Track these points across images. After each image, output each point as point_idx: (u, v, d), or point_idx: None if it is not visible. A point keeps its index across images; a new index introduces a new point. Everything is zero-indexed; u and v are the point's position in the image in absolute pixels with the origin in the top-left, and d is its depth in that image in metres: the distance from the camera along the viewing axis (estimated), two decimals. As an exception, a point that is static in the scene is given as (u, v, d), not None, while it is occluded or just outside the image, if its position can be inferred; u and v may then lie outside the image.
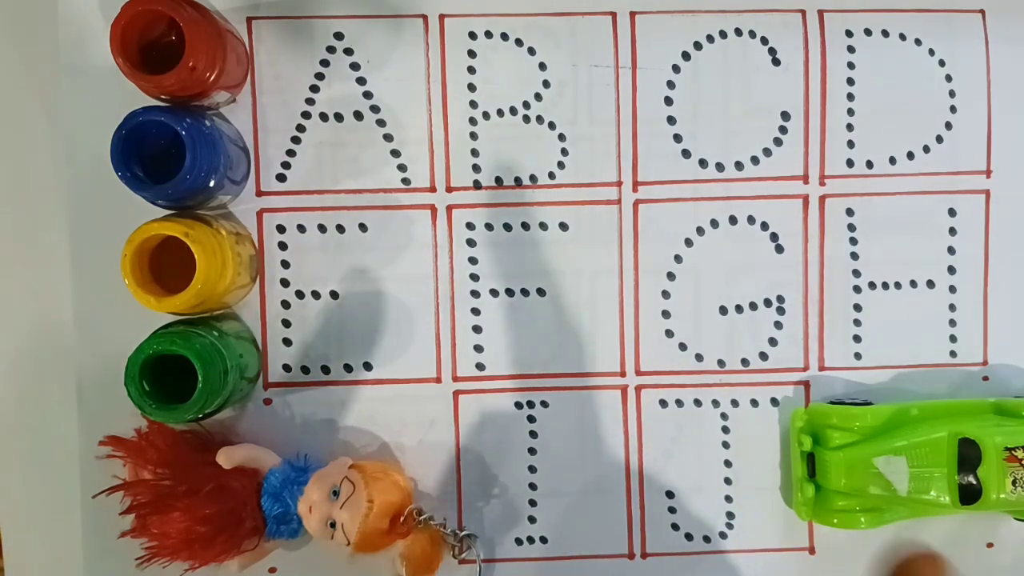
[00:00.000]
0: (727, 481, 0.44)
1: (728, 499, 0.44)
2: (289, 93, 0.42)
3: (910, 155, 0.44)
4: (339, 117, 0.42)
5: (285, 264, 0.43)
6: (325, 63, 0.42)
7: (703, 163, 0.43)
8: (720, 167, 0.43)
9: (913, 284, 0.44)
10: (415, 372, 0.43)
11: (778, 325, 0.44)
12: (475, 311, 0.43)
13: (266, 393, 0.43)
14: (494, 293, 0.43)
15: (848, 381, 0.44)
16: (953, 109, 0.44)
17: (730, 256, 0.43)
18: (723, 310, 0.44)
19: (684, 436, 0.44)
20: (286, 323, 0.43)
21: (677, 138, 0.43)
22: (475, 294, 0.43)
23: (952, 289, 0.44)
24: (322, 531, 0.39)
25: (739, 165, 0.43)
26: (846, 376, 0.44)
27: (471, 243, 0.43)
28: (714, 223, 0.43)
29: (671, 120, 0.43)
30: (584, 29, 0.43)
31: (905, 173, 0.44)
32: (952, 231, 0.44)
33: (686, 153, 0.43)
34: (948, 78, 0.44)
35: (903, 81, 0.44)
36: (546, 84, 0.43)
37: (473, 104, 0.43)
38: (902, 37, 0.44)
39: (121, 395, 0.37)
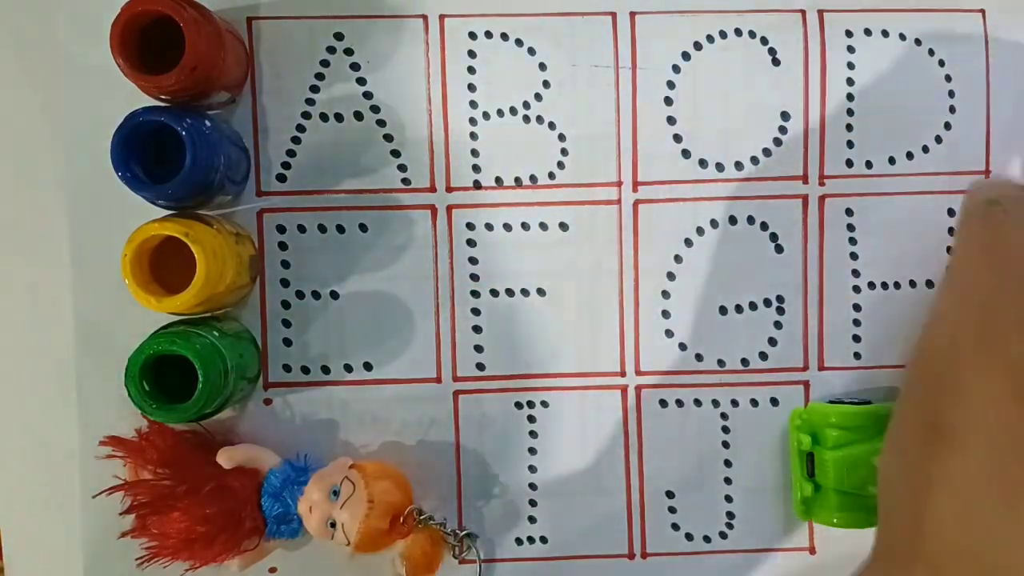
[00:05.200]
0: (727, 481, 0.44)
1: (728, 499, 0.44)
2: (289, 93, 0.42)
3: (910, 155, 0.44)
4: (339, 117, 0.42)
5: (285, 264, 0.43)
6: (325, 63, 0.42)
7: (703, 163, 0.43)
8: (720, 167, 0.43)
9: (912, 284, 0.44)
10: (415, 372, 0.43)
11: (778, 325, 0.44)
12: (475, 311, 0.43)
13: (266, 393, 0.43)
14: (494, 293, 0.43)
15: (848, 381, 0.44)
16: (953, 109, 0.44)
17: (730, 256, 0.43)
18: (723, 310, 0.44)
19: (684, 436, 0.44)
20: (286, 323, 0.43)
21: (677, 138, 0.43)
22: (475, 294, 0.43)
23: (952, 289, 0.44)
24: (322, 531, 0.39)
25: (739, 165, 0.43)
26: (846, 376, 0.44)
27: (471, 243, 0.43)
28: (714, 223, 0.43)
29: (671, 120, 0.43)
30: (584, 29, 0.43)
31: (905, 173, 0.44)
32: (952, 231, 0.44)
33: (686, 153, 0.43)
34: (948, 78, 0.44)
35: (903, 81, 0.44)
36: (546, 84, 0.43)
37: (473, 104, 0.43)
38: (902, 37, 0.44)
39: (121, 395, 0.37)
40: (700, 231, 0.43)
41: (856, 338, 0.44)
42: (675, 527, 0.44)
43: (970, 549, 0.25)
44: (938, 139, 0.44)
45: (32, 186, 0.42)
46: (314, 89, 0.42)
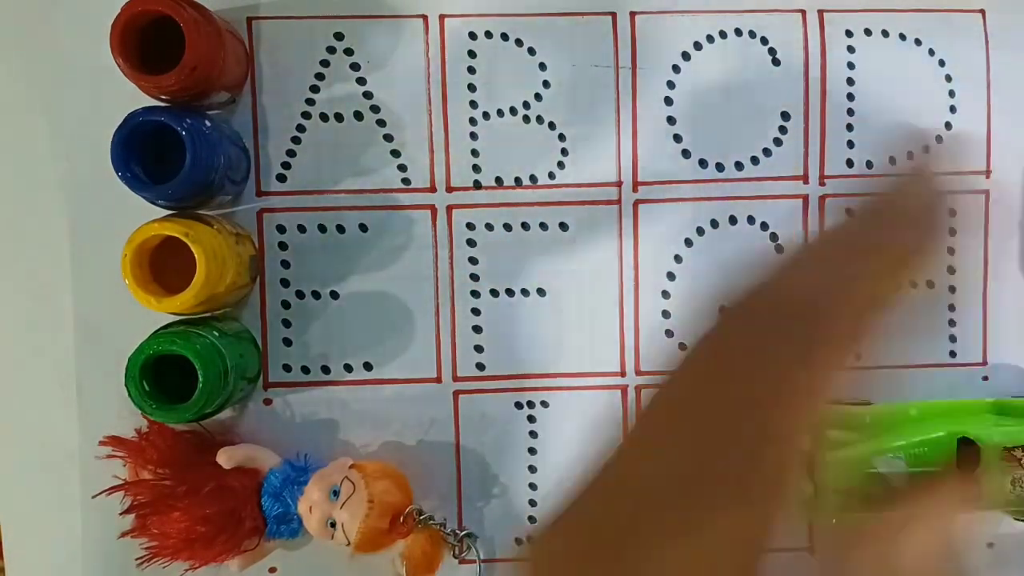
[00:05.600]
0: (727, 481, 0.44)
1: (728, 499, 0.44)
2: (289, 93, 0.42)
3: (910, 155, 0.44)
4: (339, 117, 0.42)
5: (285, 264, 0.43)
6: (325, 63, 0.42)
7: (703, 163, 0.43)
8: (720, 167, 0.43)
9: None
10: (415, 372, 0.43)
11: (778, 325, 0.44)
12: (475, 311, 0.43)
13: (266, 393, 0.43)
14: (494, 293, 0.43)
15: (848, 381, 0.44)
16: (953, 109, 0.44)
17: (730, 256, 0.43)
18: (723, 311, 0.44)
19: (684, 436, 0.44)
20: (286, 323, 0.43)
21: (677, 138, 0.43)
22: (475, 294, 0.43)
23: (952, 289, 0.44)
24: (322, 531, 0.39)
25: (739, 165, 0.43)
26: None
27: (471, 243, 0.43)
28: (714, 223, 0.43)
29: (671, 120, 0.43)
30: (584, 29, 0.43)
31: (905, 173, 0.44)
32: (952, 231, 0.44)
33: (686, 153, 0.43)
34: (948, 78, 0.44)
35: (903, 81, 0.44)
36: (546, 84, 0.43)
37: (473, 104, 0.43)
38: (902, 37, 0.44)
39: (121, 395, 0.37)
40: (700, 231, 0.43)
41: (856, 338, 0.44)
42: (675, 527, 0.44)
43: None
44: (938, 139, 0.44)
45: (32, 186, 0.42)
46: (314, 89, 0.42)
